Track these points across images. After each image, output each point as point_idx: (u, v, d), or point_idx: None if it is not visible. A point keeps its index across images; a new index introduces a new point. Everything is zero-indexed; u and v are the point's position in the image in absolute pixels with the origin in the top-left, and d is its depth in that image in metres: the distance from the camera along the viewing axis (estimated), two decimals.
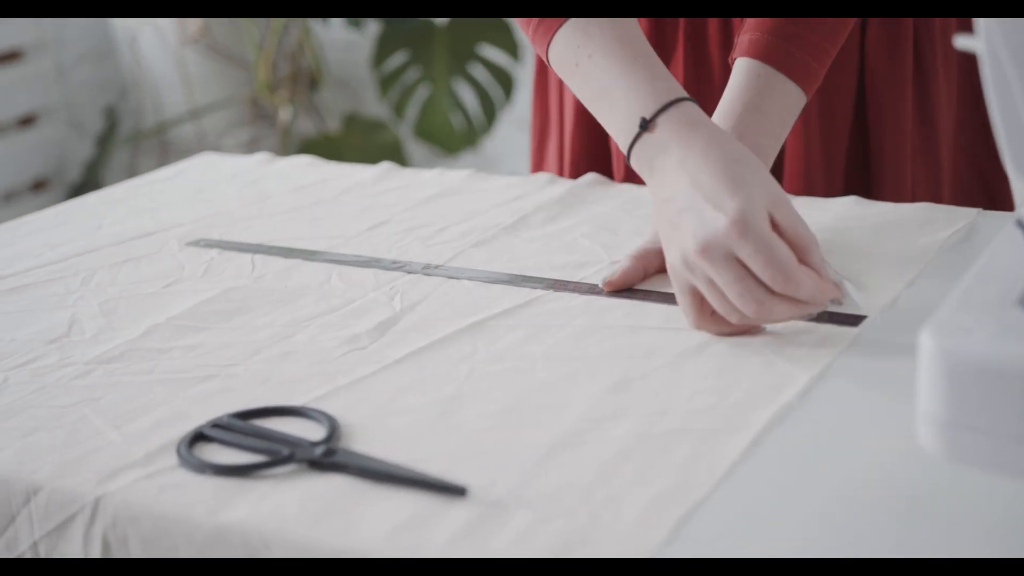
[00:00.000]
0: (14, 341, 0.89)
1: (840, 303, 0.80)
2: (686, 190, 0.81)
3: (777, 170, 1.15)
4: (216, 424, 0.74)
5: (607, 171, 1.22)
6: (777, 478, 0.65)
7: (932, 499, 0.62)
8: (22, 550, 0.70)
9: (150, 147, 3.08)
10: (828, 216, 1.03)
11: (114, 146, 3.01)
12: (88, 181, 3.00)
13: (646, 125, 0.84)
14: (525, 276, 0.96)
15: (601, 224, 1.06)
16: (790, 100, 0.98)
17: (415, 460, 0.69)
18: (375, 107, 3.04)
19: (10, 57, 2.88)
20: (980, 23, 0.56)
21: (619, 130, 0.86)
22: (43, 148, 2.98)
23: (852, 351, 0.79)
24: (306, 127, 3.10)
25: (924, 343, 0.57)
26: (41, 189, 3.00)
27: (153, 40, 2.94)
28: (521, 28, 0.94)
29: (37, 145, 2.96)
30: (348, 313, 0.91)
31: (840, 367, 0.77)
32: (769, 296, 0.78)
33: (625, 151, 0.85)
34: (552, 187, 1.17)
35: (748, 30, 0.99)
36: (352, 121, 2.90)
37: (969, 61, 1.20)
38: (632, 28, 0.89)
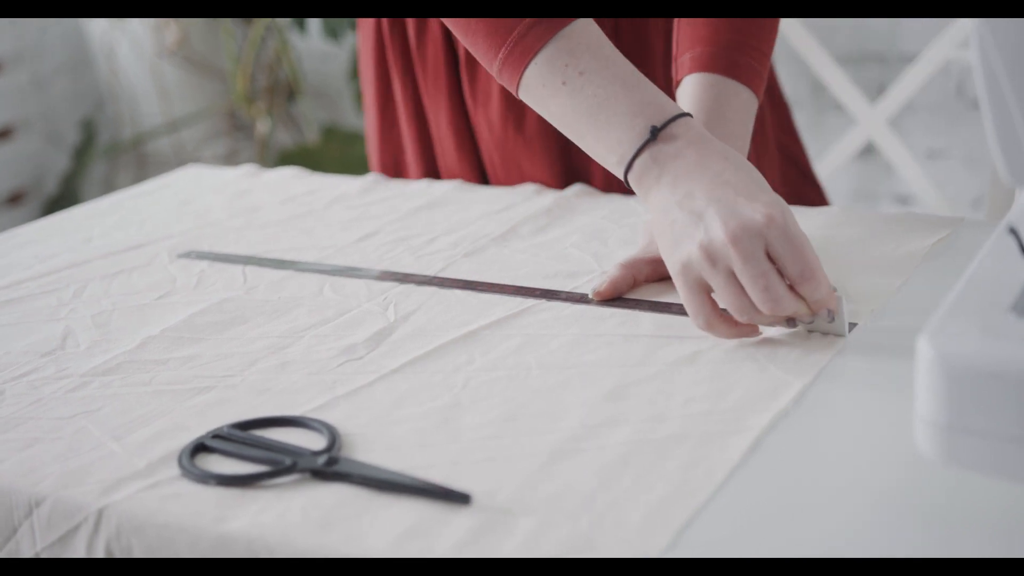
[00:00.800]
0: (8, 354, 0.90)
1: (832, 319, 0.82)
2: (711, 185, 0.81)
3: None
4: (216, 435, 0.74)
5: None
6: (776, 482, 0.66)
7: (929, 501, 0.63)
8: None
9: (127, 159, 3.08)
10: (813, 224, 1.04)
11: (91, 158, 3.00)
12: (65, 194, 2.99)
13: (657, 134, 0.85)
14: (517, 286, 0.96)
15: (590, 234, 1.07)
16: (745, 103, 1.00)
17: (416, 468, 0.69)
18: (353, 118, 3.04)
19: None
20: (974, 31, 0.57)
21: (618, 140, 0.86)
22: (20, 160, 2.97)
23: (844, 356, 0.80)
24: (283, 138, 3.11)
25: (921, 348, 0.58)
26: (18, 202, 2.99)
27: (130, 51, 2.93)
28: (483, 53, 0.91)
29: (14, 157, 2.95)
30: (342, 324, 0.91)
31: (833, 372, 0.78)
32: (787, 293, 0.79)
33: (626, 161, 0.86)
34: (539, 198, 1.18)
35: (684, 51, 1.02)
36: (330, 133, 2.91)
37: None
38: (613, 48, 0.89)
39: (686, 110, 1.00)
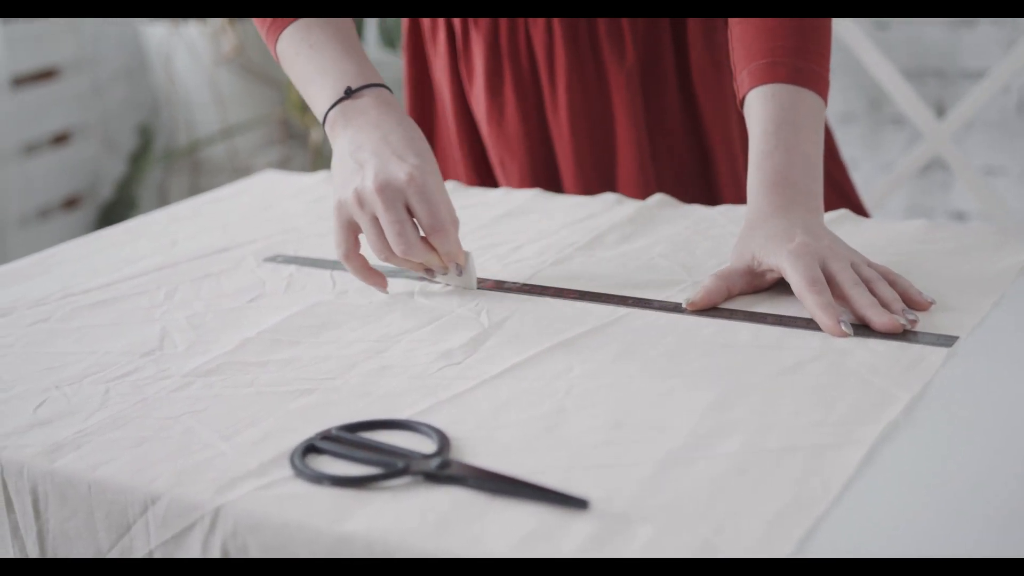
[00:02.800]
0: (109, 353, 0.90)
1: (460, 273, 0.97)
2: (377, 142, 0.96)
3: (611, 175, 1.30)
4: (326, 436, 0.75)
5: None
6: (892, 493, 0.66)
7: None
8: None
9: (182, 165, 3.10)
10: (904, 239, 1.04)
11: (147, 164, 3.02)
12: (120, 199, 3.01)
13: (351, 93, 1.00)
14: (609, 294, 0.96)
15: (676, 244, 1.07)
16: (814, 108, 1.00)
17: (527, 474, 0.69)
18: None
19: (46, 75, 2.90)
20: None
21: (325, 97, 1.01)
22: (76, 166, 3.00)
23: (948, 370, 0.80)
24: None
25: None
26: (73, 206, 3.02)
27: (187, 59, 2.96)
28: (256, 24, 1.10)
29: (70, 163, 2.98)
30: (437, 329, 0.92)
31: (940, 385, 0.78)
32: (417, 240, 0.93)
33: (325, 109, 1.01)
34: (620, 207, 1.18)
35: (742, 68, 1.02)
36: None
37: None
38: (349, 30, 1.05)
39: (755, 126, 1.00)
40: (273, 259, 1.10)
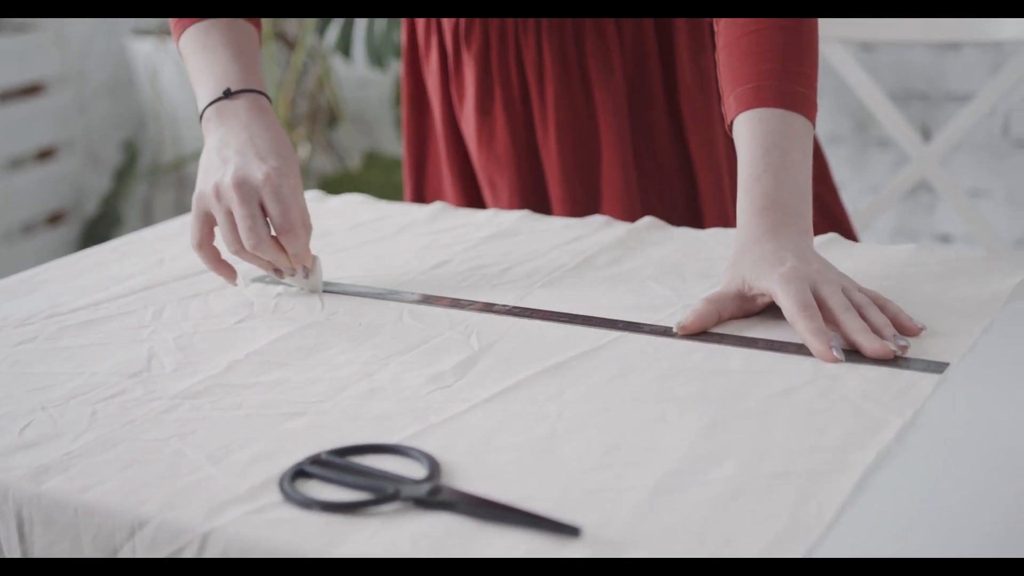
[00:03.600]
0: (96, 374, 0.90)
1: (307, 275, 1.02)
2: (243, 142, 1.02)
3: (597, 195, 1.31)
4: (315, 461, 0.74)
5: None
6: (887, 518, 0.66)
7: None
8: None
9: (167, 181, 3.09)
10: (893, 264, 1.04)
11: (132, 180, 3.01)
12: (105, 215, 3.00)
13: (229, 94, 1.06)
14: (599, 318, 0.96)
15: (666, 267, 1.07)
16: (801, 131, 1.00)
17: (519, 499, 0.69)
18: (394, 145, 3.06)
19: (32, 90, 2.89)
20: None
21: (205, 95, 1.07)
22: (61, 181, 2.99)
23: (940, 395, 0.80)
24: (323, 164, 3.12)
25: None
26: (58, 222, 3.00)
27: (173, 74, 2.95)
28: (169, 21, 1.16)
29: (55, 178, 2.97)
30: (427, 351, 0.91)
31: (931, 411, 0.78)
32: (267, 237, 0.98)
33: (204, 105, 1.07)
34: (610, 229, 1.18)
35: (728, 93, 1.02)
36: (371, 159, 2.92)
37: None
38: (247, 36, 1.12)
39: (743, 151, 1.00)
40: (261, 279, 1.10)
